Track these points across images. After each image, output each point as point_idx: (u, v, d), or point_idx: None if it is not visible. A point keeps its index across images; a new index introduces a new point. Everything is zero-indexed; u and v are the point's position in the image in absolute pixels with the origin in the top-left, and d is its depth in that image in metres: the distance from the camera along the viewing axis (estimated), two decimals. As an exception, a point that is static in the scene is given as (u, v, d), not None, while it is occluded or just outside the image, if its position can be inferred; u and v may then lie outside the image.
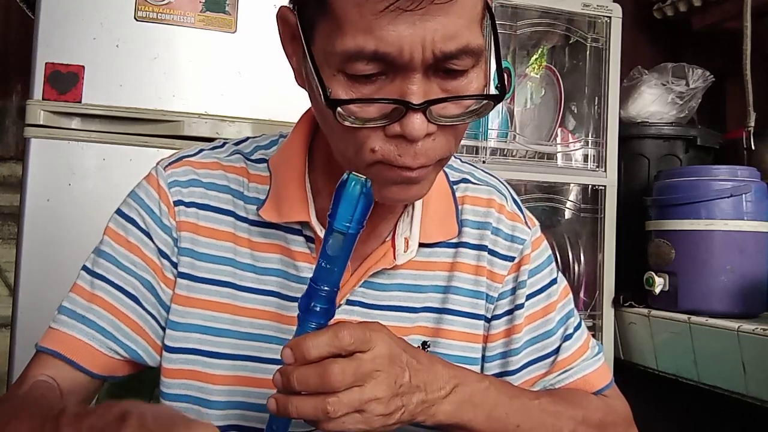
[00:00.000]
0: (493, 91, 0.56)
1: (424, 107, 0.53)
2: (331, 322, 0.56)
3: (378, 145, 0.55)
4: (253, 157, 0.72)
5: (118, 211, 0.71)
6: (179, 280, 0.68)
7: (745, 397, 1.36)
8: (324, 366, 0.52)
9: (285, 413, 0.53)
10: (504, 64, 1.64)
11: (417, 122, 0.53)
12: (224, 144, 0.74)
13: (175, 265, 0.69)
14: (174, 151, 1.31)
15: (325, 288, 0.54)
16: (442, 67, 0.54)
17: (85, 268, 0.70)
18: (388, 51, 0.51)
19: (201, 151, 0.73)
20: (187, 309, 0.68)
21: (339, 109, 0.53)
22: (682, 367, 1.52)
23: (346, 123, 0.54)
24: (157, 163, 0.71)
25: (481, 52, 0.55)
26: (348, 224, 0.53)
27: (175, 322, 0.68)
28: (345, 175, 0.54)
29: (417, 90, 0.53)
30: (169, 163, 0.71)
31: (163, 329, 0.69)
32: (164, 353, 0.68)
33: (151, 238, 0.68)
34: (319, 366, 0.52)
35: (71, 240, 1.26)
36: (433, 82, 0.54)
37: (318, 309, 0.54)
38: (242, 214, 0.70)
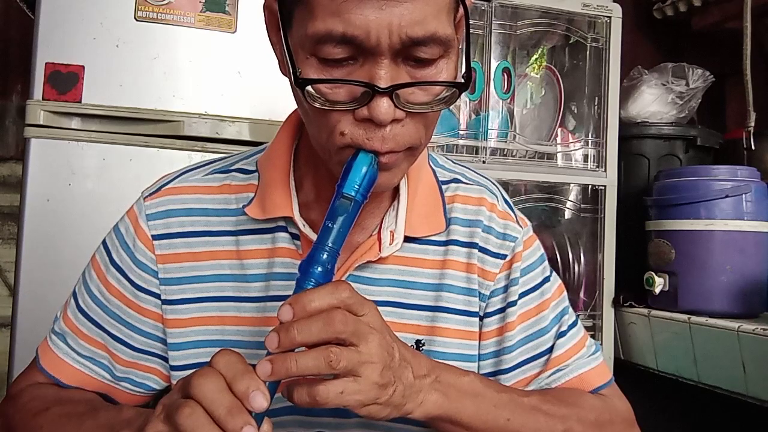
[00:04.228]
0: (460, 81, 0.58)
1: (390, 91, 0.54)
2: None
3: (348, 128, 0.56)
4: (233, 169, 0.74)
5: (104, 242, 0.74)
6: (168, 306, 0.70)
7: (745, 397, 1.36)
8: (327, 312, 0.52)
9: (283, 372, 0.51)
10: (504, 64, 1.63)
11: (383, 106, 0.54)
12: (205, 164, 0.76)
13: (157, 296, 0.70)
14: (174, 151, 1.33)
15: (326, 247, 0.55)
16: (411, 55, 0.55)
17: (74, 295, 0.74)
18: (356, 34, 0.52)
19: (180, 175, 0.74)
20: (186, 329, 0.70)
21: (309, 89, 0.55)
22: (682, 367, 1.52)
23: (316, 104, 0.55)
24: (141, 193, 0.74)
25: (450, 42, 0.56)
26: (356, 188, 0.56)
27: (176, 343, 0.70)
28: (355, 150, 0.57)
29: (384, 75, 0.54)
30: (150, 194, 0.73)
31: (160, 357, 0.72)
32: (173, 373, 0.70)
33: (126, 276, 0.71)
34: (321, 314, 0.52)
35: (71, 240, 1.26)
36: (402, 69, 0.55)
37: (318, 270, 0.55)
38: (225, 228, 0.71)
